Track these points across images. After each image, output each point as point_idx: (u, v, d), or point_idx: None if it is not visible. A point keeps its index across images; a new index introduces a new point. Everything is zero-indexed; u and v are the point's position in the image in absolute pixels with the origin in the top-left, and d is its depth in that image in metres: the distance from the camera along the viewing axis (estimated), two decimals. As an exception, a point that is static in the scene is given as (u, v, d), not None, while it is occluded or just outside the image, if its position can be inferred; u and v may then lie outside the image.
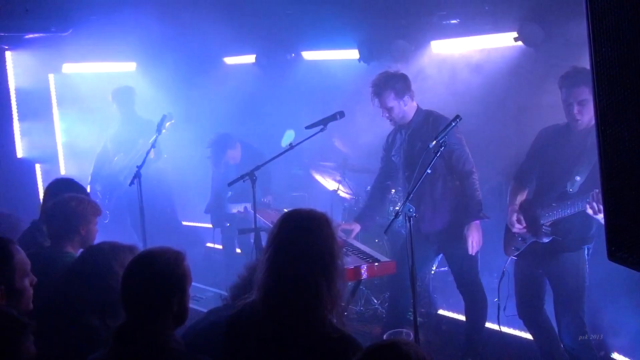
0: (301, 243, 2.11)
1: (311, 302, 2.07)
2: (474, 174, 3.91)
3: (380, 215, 5.17)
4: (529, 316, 3.79)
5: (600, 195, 3.03)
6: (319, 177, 6.17)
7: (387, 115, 4.04)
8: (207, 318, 2.62)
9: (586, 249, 3.48)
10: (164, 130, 4.86)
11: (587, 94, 3.30)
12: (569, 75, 3.39)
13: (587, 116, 3.36)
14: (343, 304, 2.16)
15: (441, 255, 4.39)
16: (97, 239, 2.99)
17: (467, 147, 3.95)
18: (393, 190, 5.06)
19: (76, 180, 3.68)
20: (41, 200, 3.57)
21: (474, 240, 3.84)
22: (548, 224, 3.49)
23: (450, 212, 4.00)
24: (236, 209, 5.77)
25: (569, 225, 3.42)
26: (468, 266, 4.03)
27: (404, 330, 2.88)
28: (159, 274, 2.05)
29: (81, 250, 3.03)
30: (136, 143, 5.84)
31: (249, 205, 5.60)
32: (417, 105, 4.07)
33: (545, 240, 3.51)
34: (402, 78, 3.99)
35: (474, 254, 3.89)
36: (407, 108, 4.01)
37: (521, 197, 3.76)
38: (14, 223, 3.77)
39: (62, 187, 3.45)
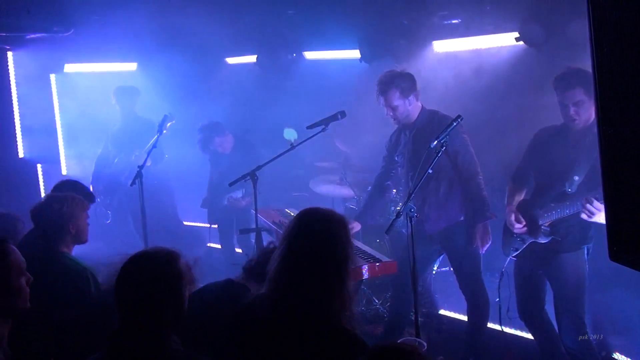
0: (317, 242, 2.12)
1: (322, 301, 2.07)
2: (479, 174, 3.91)
3: (382, 215, 5.17)
4: (530, 316, 3.78)
5: (591, 199, 3.07)
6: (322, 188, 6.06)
7: (391, 114, 4.02)
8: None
9: (586, 249, 3.47)
10: (165, 131, 4.87)
11: (582, 95, 3.29)
12: (563, 77, 3.37)
13: (584, 116, 3.35)
14: (352, 304, 2.16)
15: (443, 255, 4.38)
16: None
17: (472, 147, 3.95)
18: (394, 190, 5.05)
19: (77, 180, 3.67)
20: None
21: (483, 240, 3.85)
22: (547, 224, 3.48)
23: (455, 212, 3.99)
24: (230, 198, 5.76)
25: (568, 226, 3.41)
26: (471, 266, 4.02)
27: (418, 339, 2.85)
28: (152, 275, 2.00)
29: (75, 246, 3.08)
30: (134, 150, 5.83)
31: (241, 192, 5.61)
32: (422, 105, 4.06)
33: (544, 240, 3.50)
34: (409, 77, 3.98)
35: (483, 252, 3.91)
36: (412, 108, 4.00)
37: (519, 198, 3.76)
38: (13, 223, 3.74)
39: (64, 190, 3.41)
